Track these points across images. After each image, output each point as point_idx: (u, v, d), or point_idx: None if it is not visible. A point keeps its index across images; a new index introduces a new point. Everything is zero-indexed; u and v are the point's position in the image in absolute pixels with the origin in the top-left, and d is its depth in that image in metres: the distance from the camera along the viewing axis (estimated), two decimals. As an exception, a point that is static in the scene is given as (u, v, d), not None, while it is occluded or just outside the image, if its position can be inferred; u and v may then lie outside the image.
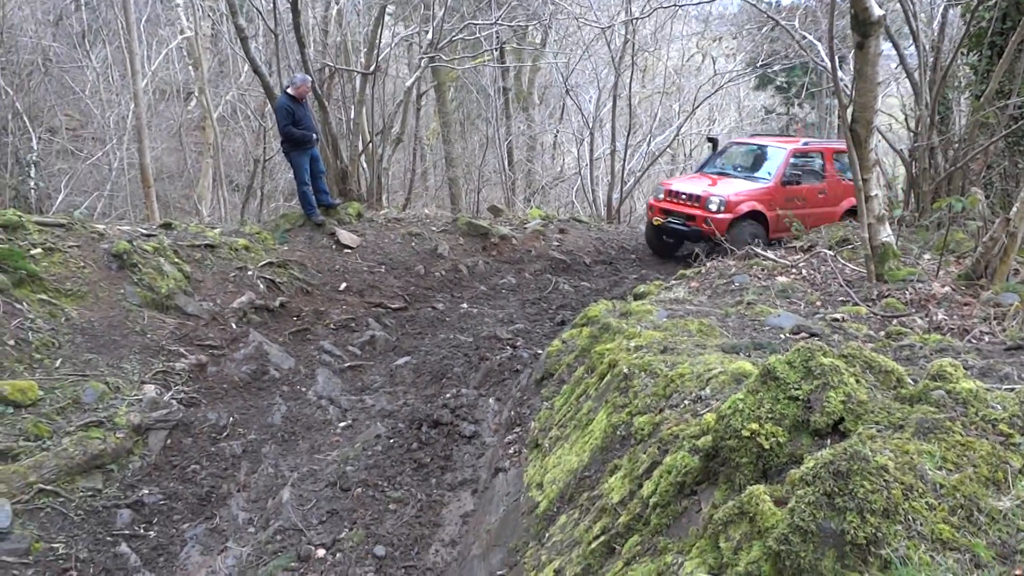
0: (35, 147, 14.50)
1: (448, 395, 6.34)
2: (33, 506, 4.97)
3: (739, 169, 13.45)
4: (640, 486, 3.16)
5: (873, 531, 2.00)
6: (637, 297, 7.00)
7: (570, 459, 4.03)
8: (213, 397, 6.86)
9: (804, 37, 14.31)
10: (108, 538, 5.07)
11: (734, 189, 12.34)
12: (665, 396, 3.65)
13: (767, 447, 2.53)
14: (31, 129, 15.17)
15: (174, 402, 6.42)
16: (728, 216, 11.87)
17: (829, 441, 2.47)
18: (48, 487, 5.11)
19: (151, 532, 5.27)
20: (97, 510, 5.23)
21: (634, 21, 16.53)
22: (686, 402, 3.49)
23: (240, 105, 22.26)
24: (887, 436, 2.35)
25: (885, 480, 2.07)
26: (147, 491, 5.57)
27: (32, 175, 12.46)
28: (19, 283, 6.70)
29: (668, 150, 21.73)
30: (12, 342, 6.11)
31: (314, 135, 10.79)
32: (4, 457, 5.11)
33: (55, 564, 4.72)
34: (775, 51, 19.04)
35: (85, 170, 18.48)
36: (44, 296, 6.83)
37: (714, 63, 22.26)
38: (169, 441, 6.11)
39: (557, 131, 23.56)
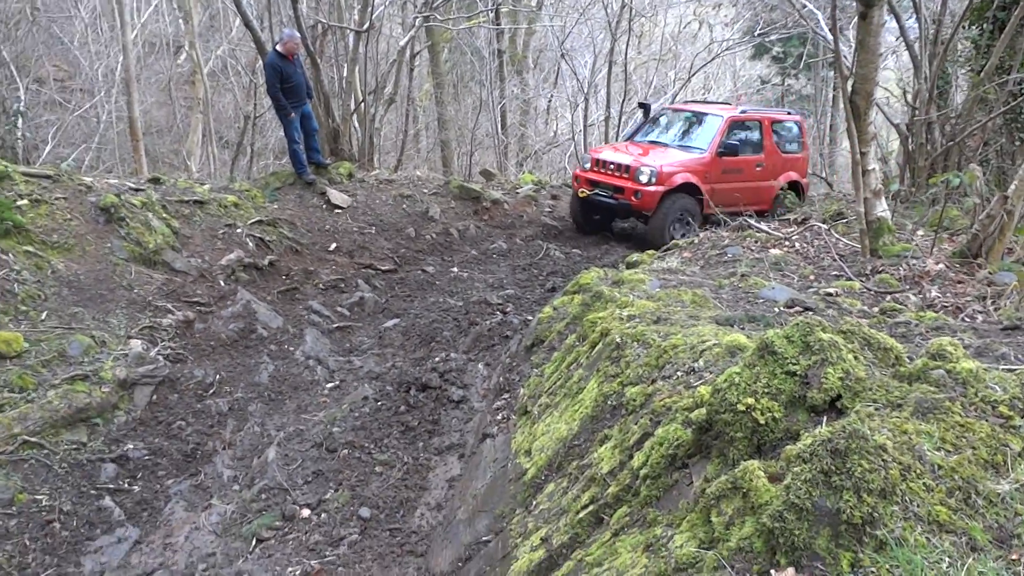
0: (22, 97, 14.25)
1: (437, 359, 6.31)
2: (17, 457, 4.92)
3: (672, 138, 12.57)
4: (630, 457, 3.14)
5: (869, 511, 1.98)
6: (629, 266, 6.96)
7: (559, 427, 4.01)
8: (200, 354, 6.81)
9: (804, 6, 14.14)
10: (92, 491, 5.04)
11: (667, 159, 11.56)
12: (658, 367, 3.62)
13: (762, 422, 2.51)
14: (18, 79, 14.90)
15: (160, 358, 6.36)
16: (660, 189, 11.14)
17: (826, 418, 2.44)
18: (32, 439, 5.06)
19: (135, 487, 5.24)
20: (81, 463, 5.20)
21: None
22: (679, 374, 3.46)
23: (231, 60, 21.94)
24: (885, 415, 2.32)
25: (883, 460, 2.05)
26: (132, 446, 5.54)
27: (19, 125, 12.25)
28: (5, 234, 6.60)
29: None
30: (-4, 293, 6.03)
31: (307, 93, 10.64)
32: (-13, 409, 5.05)
33: (38, 515, 4.69)
34: (773, 20, 18.86)
35: (73, 122, 18.21)
36: (30, 248, 6.73)
37: (711, 31, 22.05)
38: (155, 397, 6.07)
39: (551, 96, 23.36)
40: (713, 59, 19.82)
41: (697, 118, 12.61)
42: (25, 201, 7.11)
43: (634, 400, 3.46)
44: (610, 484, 3.13)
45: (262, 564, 4.24)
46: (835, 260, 6.33)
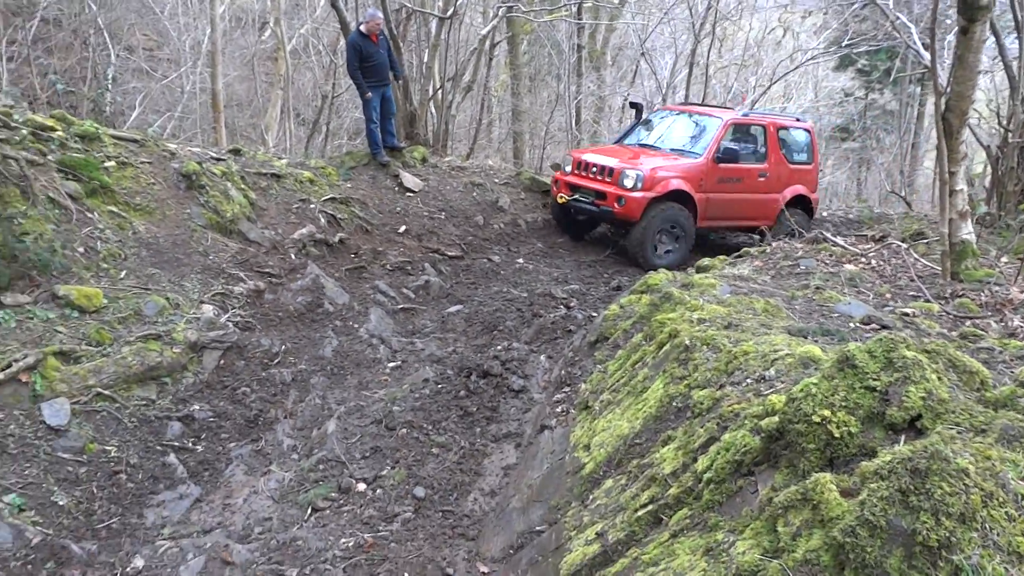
0: (113, 63, 14.66)
1: (499, 347, 6.33)
2: (90, 408, 5.09)
3: (665, 141, 11.37)
4: (694, 460, 3.12)
5: (947, 535, 1.94)
6: (700, 270, 6.89)
7: (621, 425, 4.00)
8: (268, 324, 6.94)
9: (897, 18, 13.79)
10: (158, 447, 5.19)
11: (656, 163, 10.45)
12: (727, 372, 3.58)
13: (837, 435, 2.47)
14: (110, 46, 15.33)
15: (230, 324, 6.51)
16: (646, 195, 10.00)
17: (904, 437, 2.39)
18: (105, 392, 5.23)
19: (199, 447, 5.38)
20: (149, 419, 5.35)
21: (720, -12, 16.14)
22: (749, 380, 3.42)
23: (313, 40, 22.24)
24: (968, 439, 2.27)
25: (964, 484, 2.00)
26: (198, 407, 5.69)
27: (109, 90, 12.62)
28: (92, 193, 6.81)
29: (739, 125, 21.27)
30: (82, 249, 6.23)
31: (394, 74, 10.78)
32: (67, 358, 5.23)
33: (107, 466, 4.85)
34: (862, 32, 18.43)
35: (158, 90, 18.66)
36: (114, 208, 6.94)
37: (796, 38, 21.64)
38: (223, 361, 6.21)
39: (628, 94, 23.19)
40: (796, 68, 19.47)
41: (694, 120, 11.59)
42: (112, 163, 7.32)
43: (701, 403, 3.43)
44: (671, 485, 3.11)
45: (316, 533, 4.31)
46: (913, 280, 6.18)
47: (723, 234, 12.37)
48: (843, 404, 2.51)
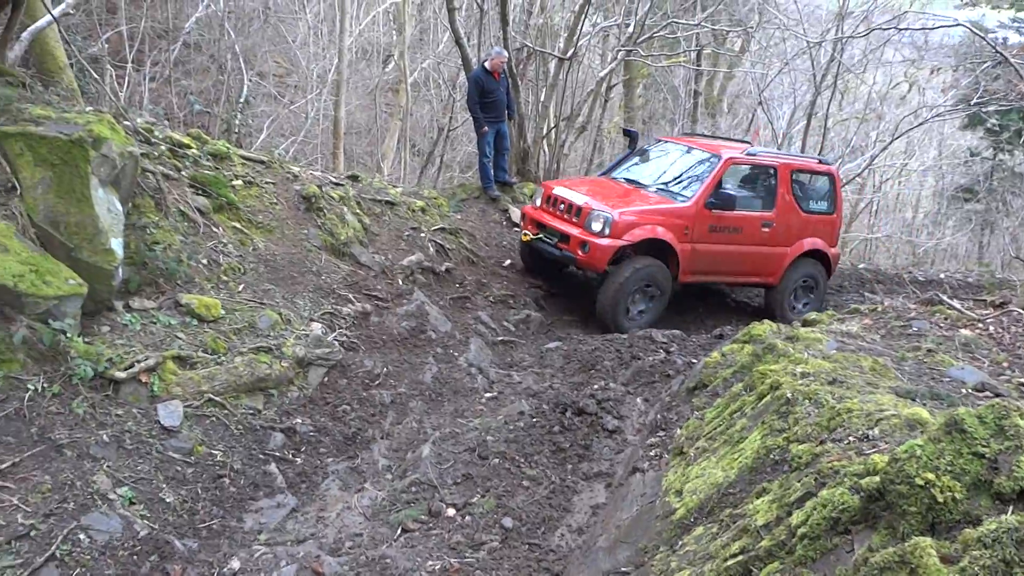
0: (246, 87, 15.44)
1: (595, 386, 6.34)
2: (201, 413, 5.35)
3: (655, 178, 9.83)
4: (789, 514, 3.07)
5: (1053, 609, 1.87)
6: (806, 324, 6.76)
7: (715, 473, 3.95)
8: (372, 345, 7.14)
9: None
10: (260, 456, 5.40)
11: (632, 206, 8.93)
12: (828, 428, 3.51)
13: (940, 500, 2.40)
14: (244, 71, 16.15)
15: (336, 343, 6.73)
16: (614, 243, 8.57)
17: (1012, 508, 2.31)
18: (216, 398, 5.49)
19: (298, 459, 5.57)
20: (255, 428, 5.58)
21: (844, 40, 15.85)
22: (851, 439, 3.35)
23: (434, 73, 22.91)
24: (1082, 515, 2.18)
25: (1075, 559, 1.93)
26: (300, 420, 5.89)
27: (241, 112, 13.32)
28: (219, 208, 7.18)
29: (857, 179, 20.76)
30: (205, 261, 6.57)
31: (507, 112, 11.01)
32: (184, 363, 5.51)
33: (212, 469, 5.07)
34: (994, 90, 17.80)
35: (285, 115, 19.53)
36: (238, 224, 7.29)
37: (922, 94, 21.05)
38: (327, 378, 6.43)
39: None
40: (920, 124, 18.90)
41: (691, 156, 9.92)
42: (239, 182, 7.71)
43: (799, 458, 3.37)
44: (763, 537, 3.06)
45: (404, 553, 4.40)
46: (1033, 350, 5.91)
47: (724, 288, 11.10)
48: (948, 469, 2.44)
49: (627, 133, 11.54)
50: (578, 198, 9.07)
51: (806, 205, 10.01)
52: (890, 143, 18.87)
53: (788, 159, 10.14)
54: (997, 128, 24.21)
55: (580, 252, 8.68)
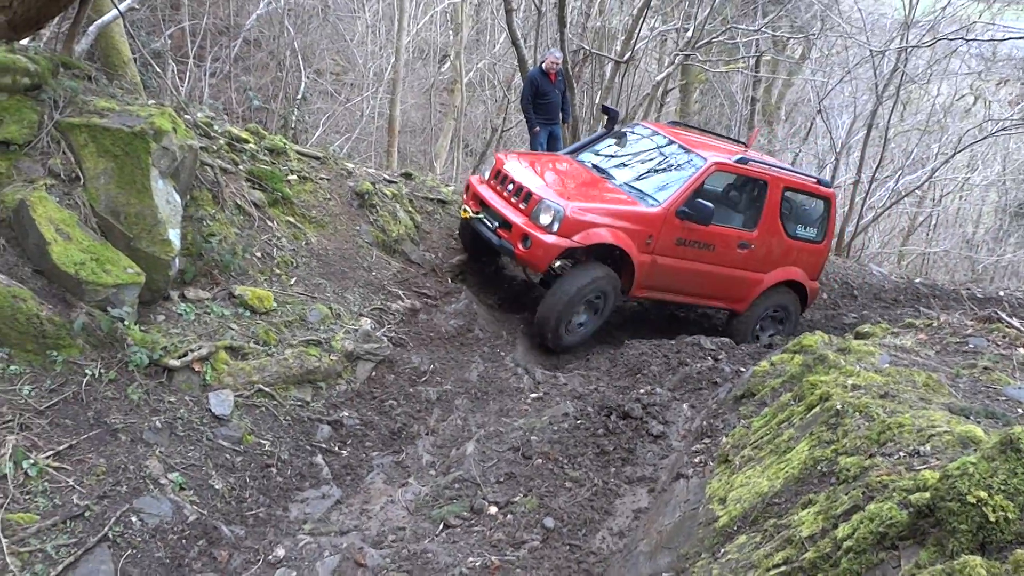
0: (304, 84, 15.68)
1: (641, 391, 6.31)
2: (251, 403, 5.45)
3: (626, 171, 8.53)
4: (835, 526, 3.03)
5: (1107, 634, 1.82)
6: (859, 336, 6.65)
7: (760, 482, 3.92)
8: (419, 342, 7.20)
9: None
10: (307, 447, 5.48)
11: (589, 200, 7.72)
12: (879, 442, 3.46)
13: (992, 519, 2.35)
14: (302, 68, 16.40)
15: (385, 339, 6.79)
16: (561, 242, 7.37)
17: (1066, 529, 2.26)
18: (266, 389, 5.58)
19: (344, 451, 5.64)
20: (302, 419, 5.66)
21: (909, 50, 15.55)
22: (901, 453, 3.29)
23: (489, 74, 23.01)
24: None
25: None
26: (347, 413, 5.97)
27: (298, 108, 13.53)
28: (274, 203, 7.30)
29: (916, 191, 20.34)
30: (259, 254, 6.69)
31: (561, 115, 11.01)
32: (236, 354, 5.62)
33: (260, 458, 5.16)
34: (1063, 105, 17.34)
35: (341, 112, 19.78)
36: (292, 219, 7.41)
37: (987, 107, 20.54)
38: (374, 373, 6.49)
39: (799, 151, 22.67)
40: (984, 138, 18.45)
41: (673, 152, 8.54)
42: (295, 177, 7.83)
43: (847, 470, 3.32)
44: (808, 549, 3.03)
45: (446, 548, 4.43)
46: (1095, 370, 5.74)
47: (682, 308, 9.65)
48: (1002, 488, 2.39)
49: (605, 110, 10.16)
50: (530, 180, 7.79)
51: (793, 229, 8.83)
52: (952, 156, 18.45)
53: (783, 173, 8.80)
54: (1064, 142, 23.53)
55: (520, 246, 7.47)
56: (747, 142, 9.64)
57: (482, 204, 8.00)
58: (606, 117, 9.91)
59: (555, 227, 7.34)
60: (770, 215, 8.50)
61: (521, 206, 7.63)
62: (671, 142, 8.67)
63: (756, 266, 8.65)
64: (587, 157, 8.93)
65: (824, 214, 9.14)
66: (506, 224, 7.64)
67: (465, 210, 8.20)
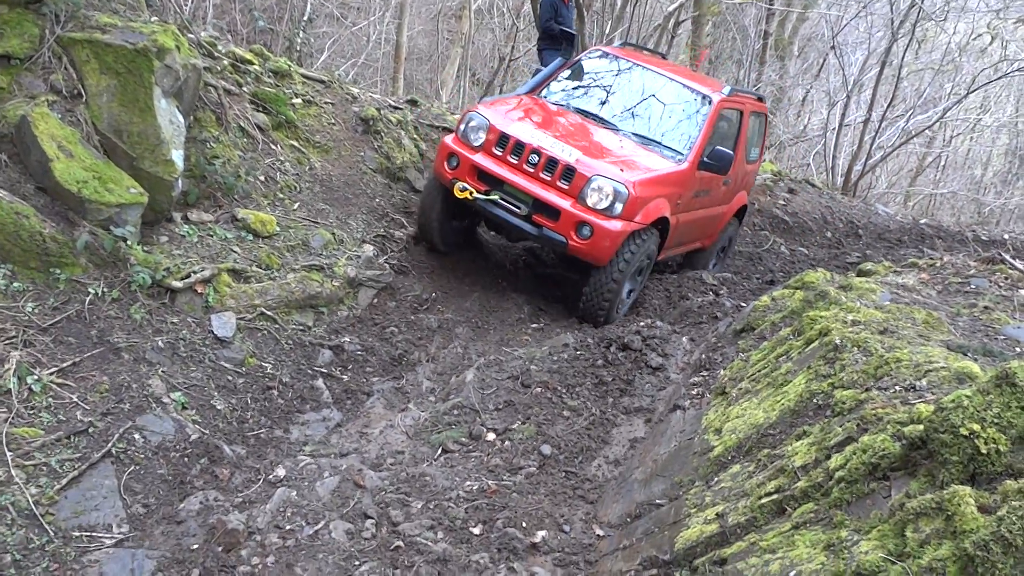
0: (310, 7, 15.39)
1: (642, 323, 6.34)
2: (253, 326, 5.48)
3: (619, 115, 7.43)
4: (828, 457, 3.07)
5: (1089, 564, 1.86)
6: (861, 274, 6.64)
7: (756, 414, 3.96)
8: (421, 271, 7.21)
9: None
10: (309, 371, 5.53)
11: (637, 168, 6.66)
12: (875, 376, 3.48)
13: (984, 451, 2.38)
14: (308, -11, 16.12)
15: (387, 266, 6.80)
16: (626, 228, 6.41)
17: (1058, 463, 2.29)
18: (268, 312, 5.61)
19: (345, 376, 5.69)
20: (304, 344, 5.70)
21: (927, -15, 15.22)
22: (897, 387, 3.31)
23: (498, 1, 22.57)
24: None
25: (1117, 516, 1.90)
26: (348, 339, 6.00)
27: (304, 31, 13.32)
28: (278, 126, 7.23)
29: (927, 131, 20.09)
30: (263, 178, 6.65)
31: (572, 35, 10.80)
32: (238, 277, 5.63)
33: (262, 380, 5.22)
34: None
35: (346, 37, 19.48)
36: (295, 143, 7.34)
37: (1004, 47, 20.14)
38: (376, 300, 6.52)
39: (810, 87, 22.33)
40: (999, 78, 18.15)
41: (665, 88, 7.59)
42: (299, 100, 7.73)
43: (843, 403, 3.35)
44: (800, 478, 3.07)
45: (444, 472, 4.50)
46: (1096, 314, 5.74)
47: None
48: (995, 421, 2.41)
49: (564, 34, 9.31)
50: (563, 150, 6.48)
51: (748, 154, 8.49)
52: (966, 96, 18.19)
53: (748, 97, 8.46)
54: (1081, 85, 23.15)
55: (575, 237, 6.35)
56: (695, 63, 9.33)
57: (491, 180, 6.61)
58: (564, 41, 9.08)
59: (618, 209, 6.29)
60: (741, 144, 8.11)
61: (562, 184, 6.41)
62: (662, 76, 7.76)
63: (728, 198, 8.40)
64: (558, 97, 7.68)
65: (761, 132, 8.97)
66: (547, 209, 6.43)
67: (464, 188, 6.54)
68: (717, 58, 23.52)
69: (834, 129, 17.85)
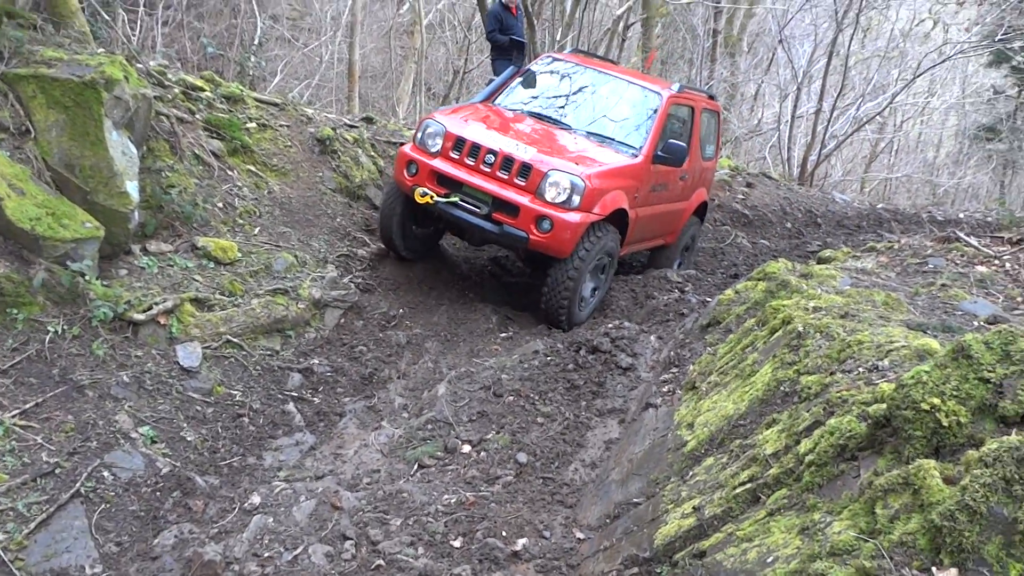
0: (259, 30, 15.32)
1: (610, 325, 6.37)
2: (220, 354, 5.43)
3: (575, 116, 7.63)
4: (797, 443, 3.11)
5: (1051, 526, 1.90)
6: (821, 261, 6.74)
7: (726, 406, 3.99)
8: (387, 288, 7.19)
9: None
10: (279, 396, 5.49)
11: (590, 163, 6.79)
12: (839, 360, 3.53)
13: (945, 424, 2.42)
14: (257, 13, 16.03)
15: (352, 285, 6.78)
16: (584, 219, 6.48)
17: (1015, 431, 2.33)
18: (234, 339, 5.56)
19: (316, 398, 5.66)
20: (272, 369, 5.66)
21: (868, -25, 15.49)
22: (860, 369, 3.37)
23: (449, 15, 22.61)
24: (1085, 435, 2.19)
25: (1075, 478, 1.95)
26: (317, 361, 5.97)
27: (254, 55, 13.25)
28: (233, 152, 7.19)
29: (878, 118, 20.42)
30: (221, 204, 6.60)
31: (522, 43, 10.86)
32: (202, 305, 5.58)
33: (231, 408, 5.17)
34: (1020, 27, 17.35)
35: (299, 58, 19.39)
36: (252, 167, 7.30)
37: (946, 31, 20.56)
38: (343, 320, 6.49)
39: (761, 82, 22.62)
40: (943, 61, 18.49)
41: (616, 88, 7.87)
42: (253, 124, 7.69)
43: (809, 388, 3.40)
44: (772, 466, 3.11)
45: (421, 487, 4.48)
46: (1050, 286, 5.87)
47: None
48: (954, 394, 2.45)
49: (514, 43, 9.54)
50: (519, 149, 6.62)
51: (703, 151, 8.74)
52: (912, 81, 18.51)
53: (700, 95, 8.76)
54: (1022, 66, 23.65)
55: (536, 231, 6.40)
56: (645, 64, 9.56)
57: (450, 183, 6.67)
58: (515, 51, 9.31)
59: (575, 201, 6.40)
60: (694, 140, 8.31)
61: (518, 181, 6.51)
62: (609, 76, 8.04)
63: (687, 194, 8.57)
64: (514, 104, 7.83)
65: (715, 129, 9.20)
66: (506, 206, 6.49)
67: (425, 193, 6.59)
68: (668, 58, 23.75)
69: (787, 121, 18.09)
